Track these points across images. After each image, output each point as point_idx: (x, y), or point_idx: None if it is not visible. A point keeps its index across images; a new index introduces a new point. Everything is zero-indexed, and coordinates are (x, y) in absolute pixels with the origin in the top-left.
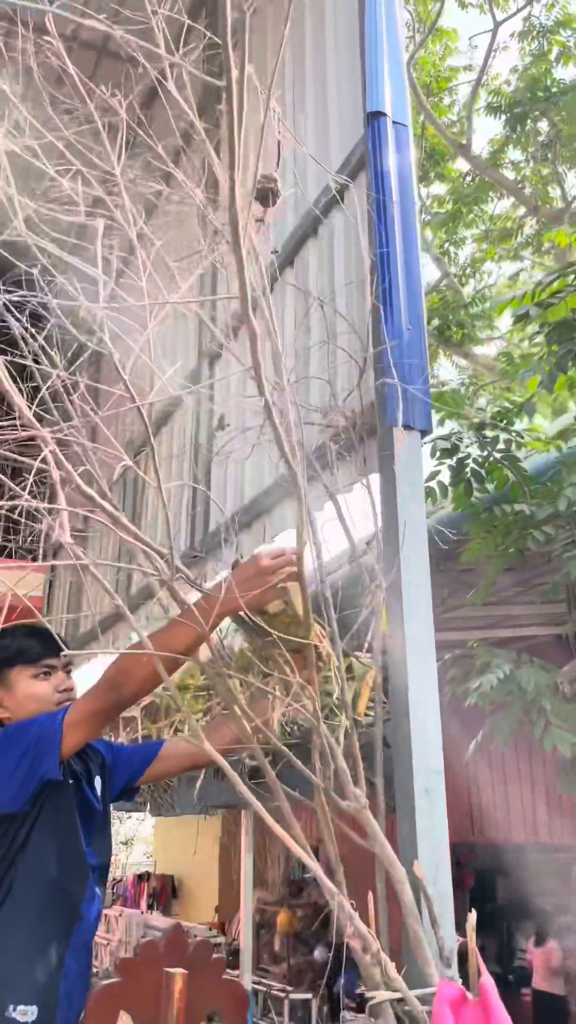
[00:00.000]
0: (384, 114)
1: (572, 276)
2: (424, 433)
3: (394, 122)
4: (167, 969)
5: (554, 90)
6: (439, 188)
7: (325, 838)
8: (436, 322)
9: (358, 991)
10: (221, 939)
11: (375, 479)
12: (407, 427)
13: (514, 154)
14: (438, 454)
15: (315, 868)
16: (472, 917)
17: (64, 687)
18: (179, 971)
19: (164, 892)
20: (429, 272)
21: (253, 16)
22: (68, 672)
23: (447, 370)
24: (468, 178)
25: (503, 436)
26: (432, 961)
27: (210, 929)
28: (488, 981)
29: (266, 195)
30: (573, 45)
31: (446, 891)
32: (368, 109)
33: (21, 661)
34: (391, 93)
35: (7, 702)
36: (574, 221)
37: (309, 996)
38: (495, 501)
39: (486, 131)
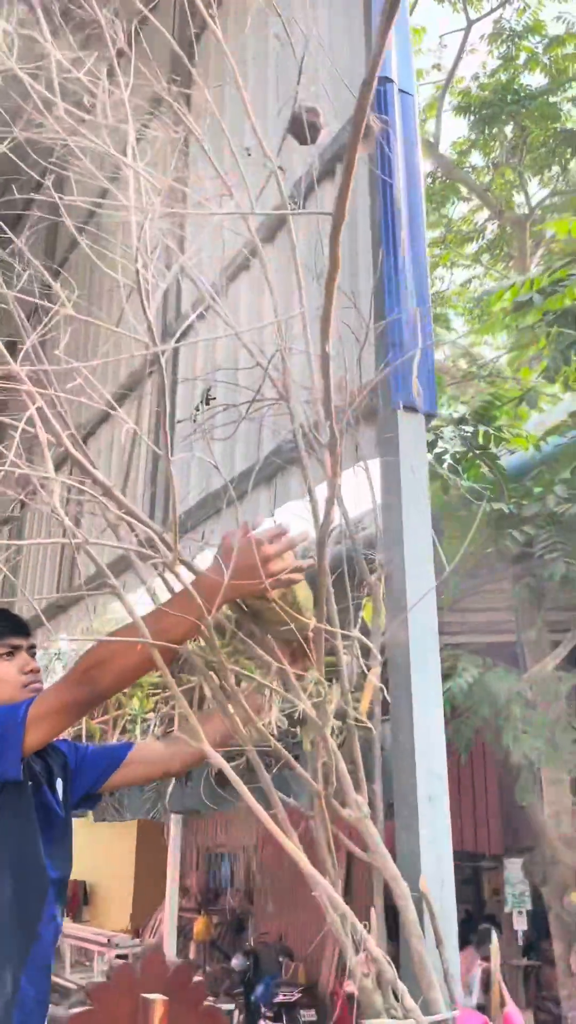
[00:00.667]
0: (391, 80)
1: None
2: (429, 416)
3: (400, 90)
4: (144, 995)
5: (522, 95)
6: None
7: (324, 851)
8: None
9: (276, 999)
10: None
11: (373, 464)
12: (411, 409)
13: (478, 158)
14: None
15: (324, 885)
16: (495, 939)
17: (29, 668)
18: (158, 998)
19: (75, 898)
20: None
21: None
22: (32, 654)
23: None
24: (431, 180)
25: (483, 430)
26: (437, 984)
27: (133, 937)
28: (514, 1011)
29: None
30: (541, 51)
31: (450, 908)
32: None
33: None
34: (397, 61)
35: None
36: (536, 226)
37: (232, 1006)
38: (473, 496)
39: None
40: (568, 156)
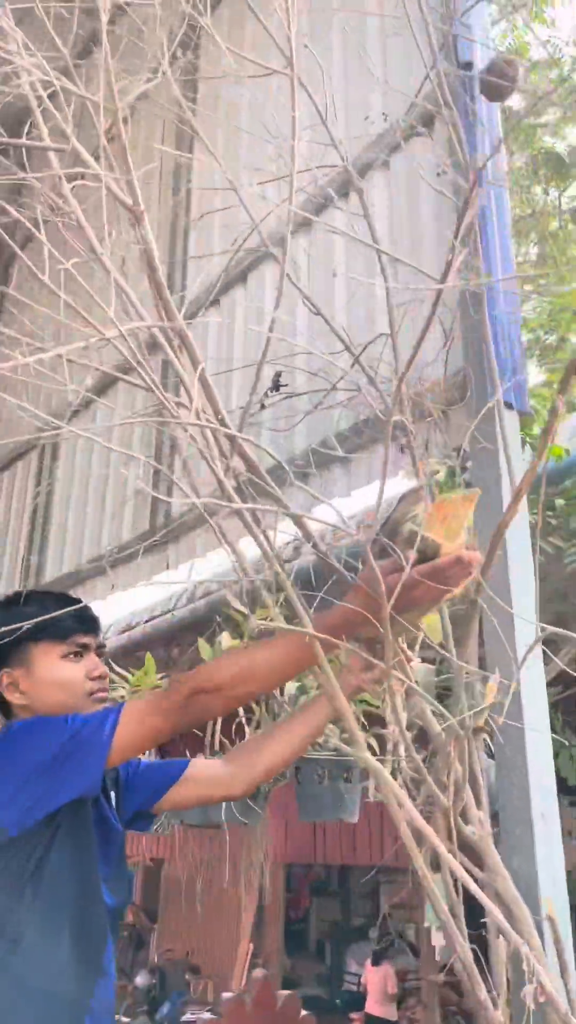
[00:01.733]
0: (472, 64)
1: None
2: (523, 416)
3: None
4: None
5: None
6: None
7: (453, 870)
8: None
9: (183, 1018)
10: None
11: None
12: (508, 406)
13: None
14: None
15: (496, 913)
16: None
17: (97, 673)
18: None
19: None
20: None
21: None
22: (101, 654)
23: None
24: None
25: None
26: (572, 1019)
27: None
28: None
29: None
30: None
31: (568, 936)
32: (460, 59)
33: (48, 636)
34: (479, 49)
35: (25, 685)
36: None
37: None
38: None
39: None
40: (547, 179)
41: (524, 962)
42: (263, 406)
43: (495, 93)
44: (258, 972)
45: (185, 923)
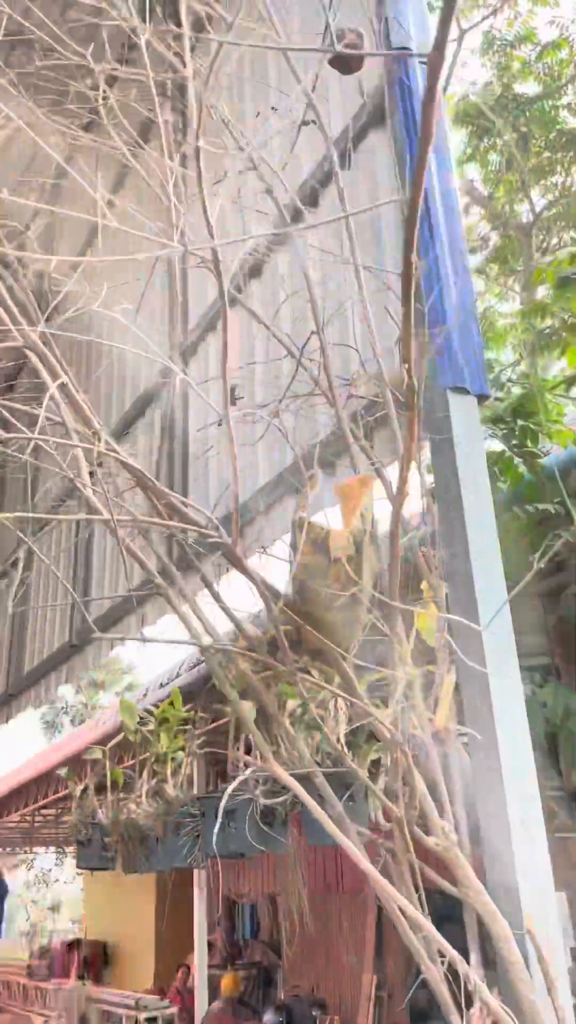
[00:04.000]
0: (409, 49)
1: None
2: (481, 398)
3: (420, 61)
4: None
5: (520, 101)
6: None
7: (408, 886)
8: None
9: None
10: (174, 1008)
11: (423, 451)
12: (460, 390)
13: (478, 170)
14: None
15: (428, 928)
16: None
17: None
18: None
19: (95, 960)
20: None
21: None
22: None
23: None
24: None
25: (521, 424)
26: None
27: (160, 998)
28: None
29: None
30: (533, 60)
31: (558, 949)
32: (393, 45)
33: None
34: (415, 30)
35: None
36: (541, 233)
37: None
38: (513, 501)
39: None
40: (568, 161)
41: (465, 981)
42: (220, 424)
43: (344, 66)
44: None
45: (308, 957)
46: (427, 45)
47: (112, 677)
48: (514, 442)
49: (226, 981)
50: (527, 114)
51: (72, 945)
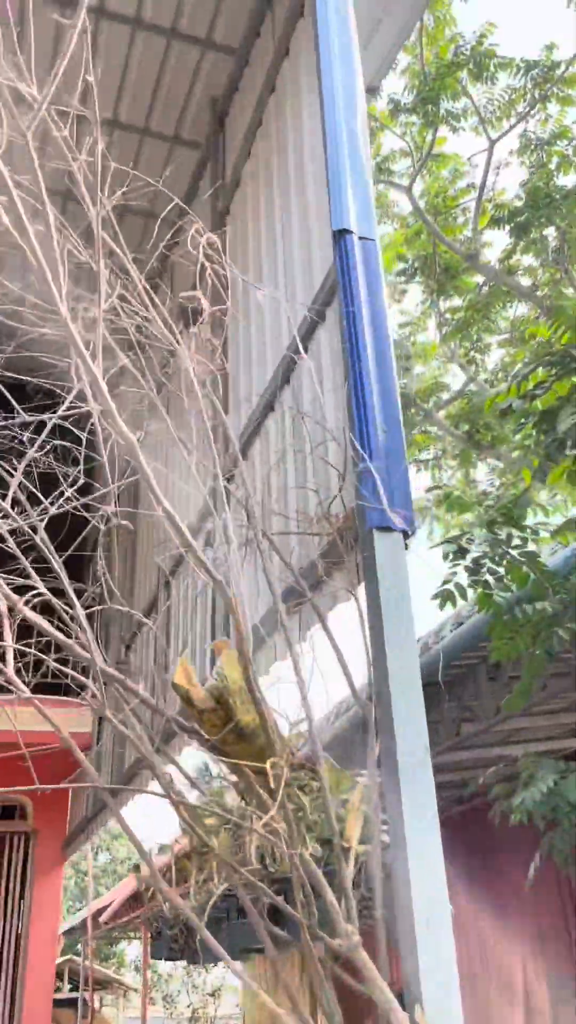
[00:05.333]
0: (350, 231)
1: (554, 368)
2: (406, 534)
3: (360, 237)
4: None
5: (556, 196)
6: (457, 300)
7: (314, 982)
8: (465, 427)
9: None
10: None
11: (362, 589)
12: (385, 528)
13: (525, 260)
14: (450, 556)
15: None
16: None
17: None
18: None
19: None
20: (457, 380)
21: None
22: None
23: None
24: (483, 288)
25: (516, 533)
26: None
27: None
28: None
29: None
30: (572, 153)
31: None
32: (334, 227)
33: None
34: (356, 209)
35: None
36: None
37: None
38: (518, 601)
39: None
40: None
41: None
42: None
43: (189, 323)
44: None
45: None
46: (369, 223)
47: None
48: (508, 545)
49: None
50: (561, 209)
51: None
